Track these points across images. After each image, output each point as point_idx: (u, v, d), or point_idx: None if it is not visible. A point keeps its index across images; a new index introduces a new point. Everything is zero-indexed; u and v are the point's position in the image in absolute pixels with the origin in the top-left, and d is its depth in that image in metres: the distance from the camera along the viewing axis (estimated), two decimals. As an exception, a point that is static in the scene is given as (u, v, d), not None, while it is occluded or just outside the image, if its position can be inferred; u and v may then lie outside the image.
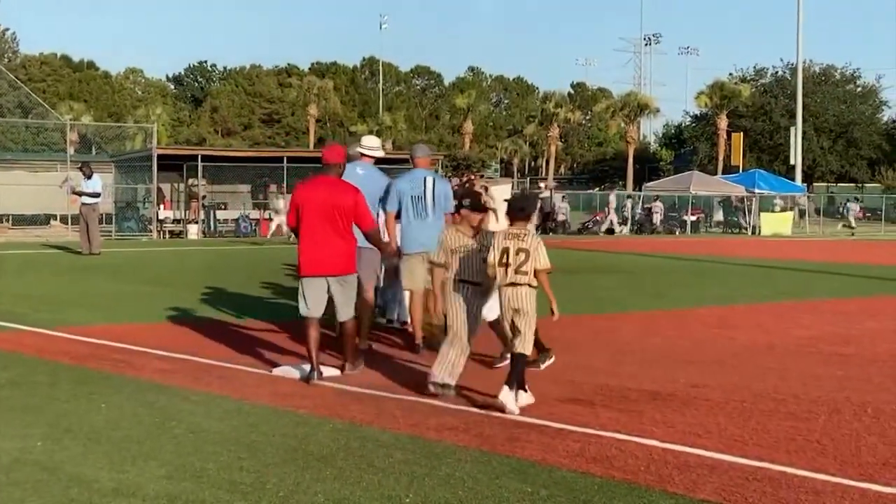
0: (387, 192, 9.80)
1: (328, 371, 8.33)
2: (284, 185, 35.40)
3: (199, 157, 34.71)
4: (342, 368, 8.37)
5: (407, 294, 10.38)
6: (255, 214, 36.89)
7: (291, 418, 6.71)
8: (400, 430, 6.34)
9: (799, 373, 8.82)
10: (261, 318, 12.18)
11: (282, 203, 23.54)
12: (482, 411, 6.91)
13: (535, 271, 7.14)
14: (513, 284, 7.15)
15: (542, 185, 59.46)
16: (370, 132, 78.18)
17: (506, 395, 6.92)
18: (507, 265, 7.14)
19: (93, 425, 6.48)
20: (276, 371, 8.40)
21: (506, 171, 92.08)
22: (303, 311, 8.25)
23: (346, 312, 8.34)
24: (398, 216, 9.80)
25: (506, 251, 7.16)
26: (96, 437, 6.19)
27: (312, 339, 8.12)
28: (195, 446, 5.93)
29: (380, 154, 10.19)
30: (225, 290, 15.22)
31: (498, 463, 5.61)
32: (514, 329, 7.19)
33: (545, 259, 7.17)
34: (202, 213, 35.59)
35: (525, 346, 7.17)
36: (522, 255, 7.12)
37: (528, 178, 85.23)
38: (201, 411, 6.90)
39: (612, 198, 45.10)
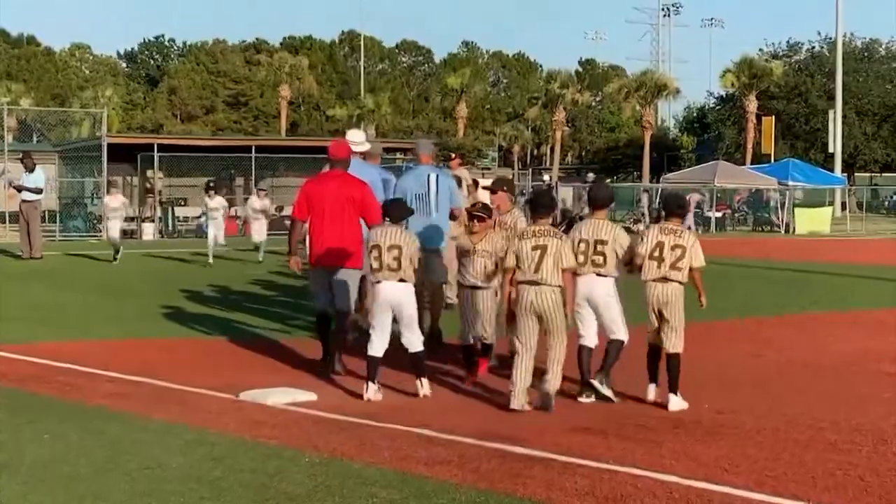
0: (388, 188, 10.76)
1: (304, 396, 8.35)
2: (253, 177, 35.31)
3: (156, 145, 34.64)
4: (330, 368, 9.15)
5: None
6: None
7: (261, 451, 6.70)
8: (385, 465, 6.35)
9: (840, 396, 8.84)
10: (225, 333, 12.16)
11: (118, 201, 23.41)
12: (478, 442, 6.92)
13: (689, 268, 8.11)
14: (664, 280, 8.01)
15: (546, 177, 59.42)
16: (350, 116, 78.26)
17: (674, 402, 8.02)
18: (660, 260, 8.08)
19: (34, 459, 6.47)
20: (244, 396, 8.40)
21: (505, 161, 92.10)
22: (316, 306, 9.70)
23: (340, 302, 9.39)
24: None
25: (660, 245, 8.05)
26: (38, 473, 6.18)
27: (325, 332, 9.52)
28: (151, 484, 5.92)
29: (363, 148, 11.10)
30: (185, 301, 15.19)
31: (497, 502, 5.61)
32: (664, 328, 8.16)
33: (701, 257, 8.18)
34: (159, 210, 35.58)
35: (677, 344, 8.15)
36: (678, 252, 8.05)
37: (531, 169, 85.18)
38: (158, 443, 6.90)
39: (696, 197, 43.88)
